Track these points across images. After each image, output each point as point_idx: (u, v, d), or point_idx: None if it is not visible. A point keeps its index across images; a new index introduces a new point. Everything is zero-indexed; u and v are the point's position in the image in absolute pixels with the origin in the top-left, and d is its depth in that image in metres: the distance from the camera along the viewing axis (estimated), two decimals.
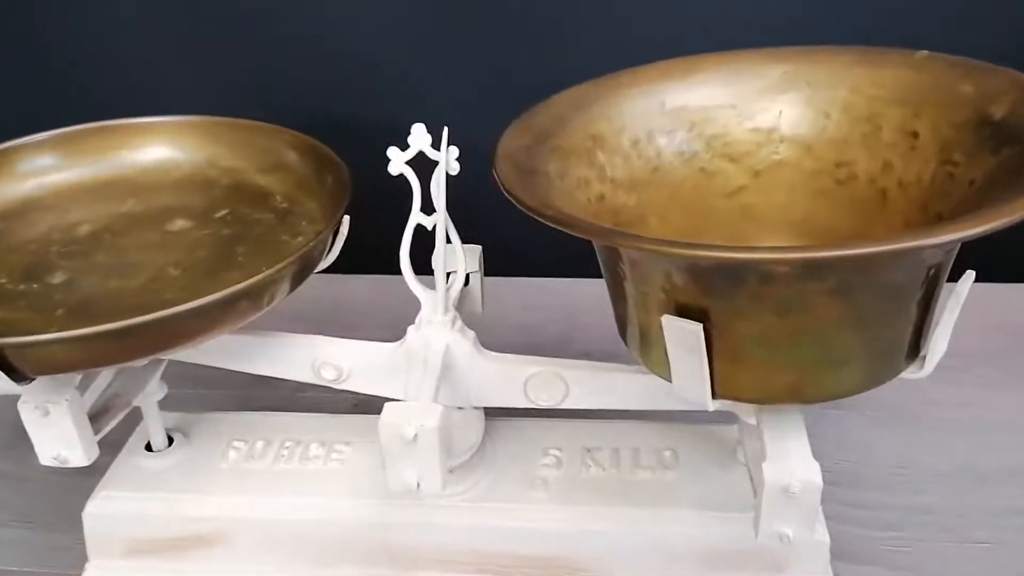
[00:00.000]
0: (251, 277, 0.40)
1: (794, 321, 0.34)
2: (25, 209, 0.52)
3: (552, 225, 0.34)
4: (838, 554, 0.47)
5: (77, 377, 0.45)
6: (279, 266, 0.42)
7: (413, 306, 0.48)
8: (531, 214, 0.35)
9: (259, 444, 0.52)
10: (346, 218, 0.47)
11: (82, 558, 0.51)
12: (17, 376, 0.40)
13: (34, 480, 0.59)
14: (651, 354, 0.39)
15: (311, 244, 0.44)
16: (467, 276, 0.49)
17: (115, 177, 0.54)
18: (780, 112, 0.44)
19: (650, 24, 0.67)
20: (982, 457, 0.57)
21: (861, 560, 0.50)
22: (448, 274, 0.47)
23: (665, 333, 0.36)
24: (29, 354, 0.39)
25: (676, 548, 0.47)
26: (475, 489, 0.49)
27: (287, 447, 0.52)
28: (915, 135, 0.40)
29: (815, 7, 0.66)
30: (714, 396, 0.38)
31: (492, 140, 0.41)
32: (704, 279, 0.34)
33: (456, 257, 0.47)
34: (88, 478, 0.58)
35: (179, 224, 0.51)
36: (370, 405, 0.47)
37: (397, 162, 0.44)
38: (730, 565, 0.47)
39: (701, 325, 0.35)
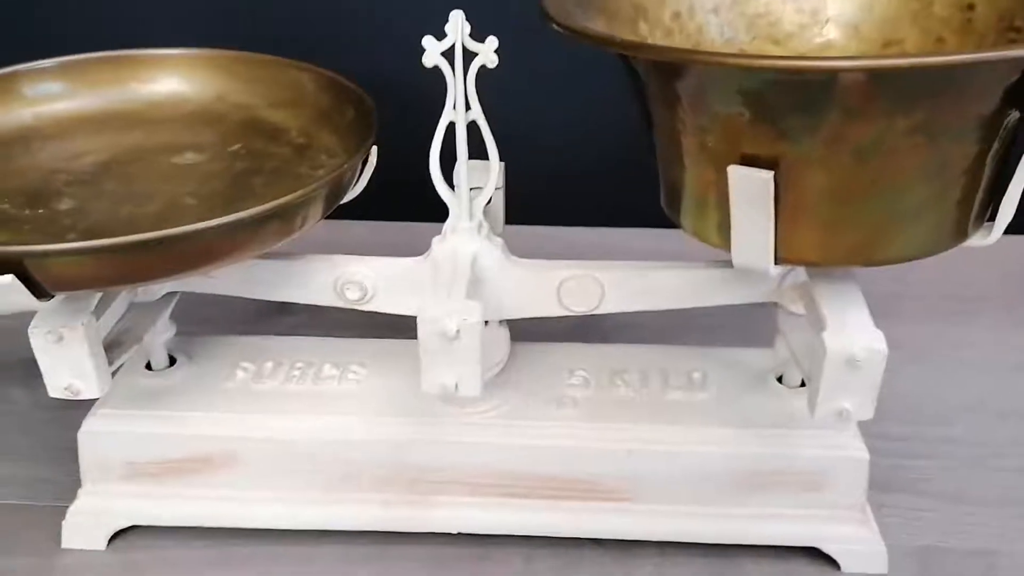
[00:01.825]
0: (287, 195, 0.39)
1: (874, 167, 0.33)
2: (26, 136, 0.50)
3: (621, 51, 0.33)
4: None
5: (93, 302, 0.42)
6: (314, 185, 0.41)
7: (416, 252, 0.46)
8: (598, 45, 0.34)
9: (268, 365, 0.50)
10: (374, 148, 0.46)
11: (68, 490, 0.48)
12: (37, 291, 0.37)
13: (13, 414, 0.55)
14: (707, 219, 0.38)
15: (344, 167, 0.43)
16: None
17: (120, 109, 0.52)
18: None
19: None
20: (1000, 394, 0.57)
21: (891, 488, 0.49)
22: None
23: (730, 185, 0.35)
24: (52, 266, 0.37)
25: (710, 468, 0.45)
26: (502, 407, 0.47)
27: (298, 368, 0.49)
28: (970, 7, 0.40)
29: None
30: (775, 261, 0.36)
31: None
32: (780, 117, 0.33)
33: (490, 159, 0.45)
34: (67, 411, 0.54)
35: (189, 157, 0.49)
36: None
37: (432, 53, 0.42)
38: (765, 486, 0.45)
39: (772, 173, 0.34)
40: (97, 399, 0.47)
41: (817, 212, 0.35)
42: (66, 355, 0.40)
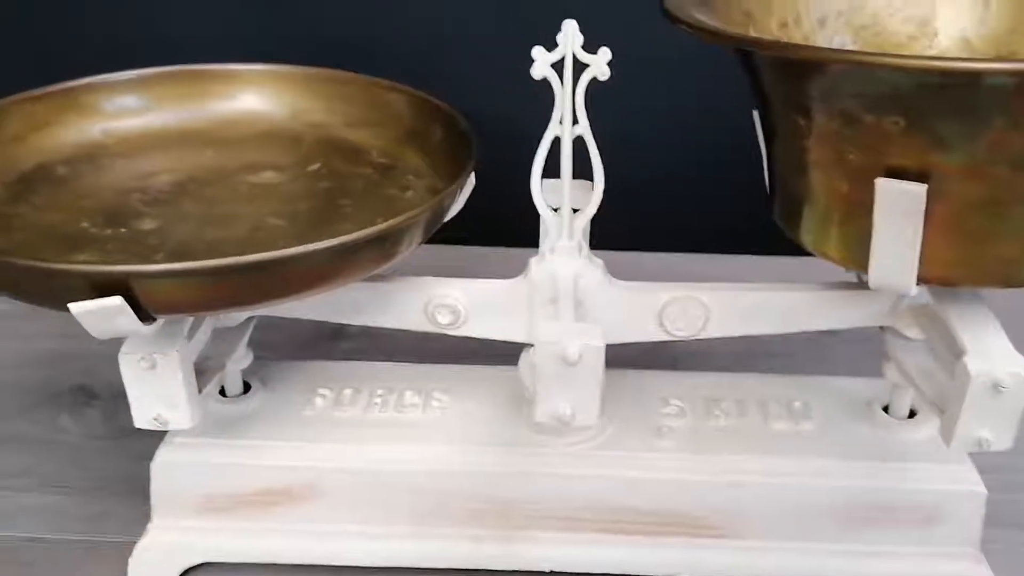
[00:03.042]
0: (396, 216, 0.37)
1: None
2: (95, 153, 0.47)
3: (766, 53, 0.31)
4: None
5: (185, 327, 0.40)
6: (427, 205, 0.39)
7: (487, 276, 0.44)
8: (741, 45, 0.32)
9: (347, 392, 0.47)
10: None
11: (133, 524, 0.45)
12: (142, 314, 0.35)
13: (63, 444, 0.53)
14: (833, 233, 0.37)
15: (454, 185, 0.41)
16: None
17: (191, 125, 0.50)
18: (935, 3, 0.42)
19: None
20: None
21: (997, 522, 0.47)
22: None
23: (877, 200, 0.33)
24: (160, 287, 0.34)
25: (818, 502, 0.43)
26: (597, 438, 0.45)
27: (379, 395, 0.47)
28: None
29: None
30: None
31: None
32: (938, 124, 0.31)
33: (594, 176, 0.43)
34: (124, 440, 0.53)
35: (268, 176, 0.47)
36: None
37: (541, 64, 0.40)
38: (875, 521, 0.43)
39: (925, 186, 0.32)
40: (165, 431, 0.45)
41: (967, 228, 0.33)
42: (158, 383, 0.38)
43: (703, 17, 0.37)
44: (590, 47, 0.41)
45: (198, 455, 0.43)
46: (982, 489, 0.43)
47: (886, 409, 0.46)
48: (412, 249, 0.41)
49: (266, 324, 0.48)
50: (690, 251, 0.72)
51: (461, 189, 0.43)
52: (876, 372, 0.49)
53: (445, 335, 0.45)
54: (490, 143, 0.52)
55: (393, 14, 0.70)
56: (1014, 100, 0.30)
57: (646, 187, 0.71)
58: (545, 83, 0.41)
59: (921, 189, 0.32)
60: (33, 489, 0.49)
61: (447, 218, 0.45)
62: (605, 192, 0.44)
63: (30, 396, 0.56)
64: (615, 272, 0.45)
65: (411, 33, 0.70)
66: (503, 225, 0.51)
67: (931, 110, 0.31)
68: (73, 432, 0.53)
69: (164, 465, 0.43)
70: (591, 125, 0.42)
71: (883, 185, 0.33)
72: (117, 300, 0.33)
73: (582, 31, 0.41)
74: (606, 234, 0.51)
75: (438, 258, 0.67)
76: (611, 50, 0.40)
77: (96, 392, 0.56)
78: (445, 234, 0.53)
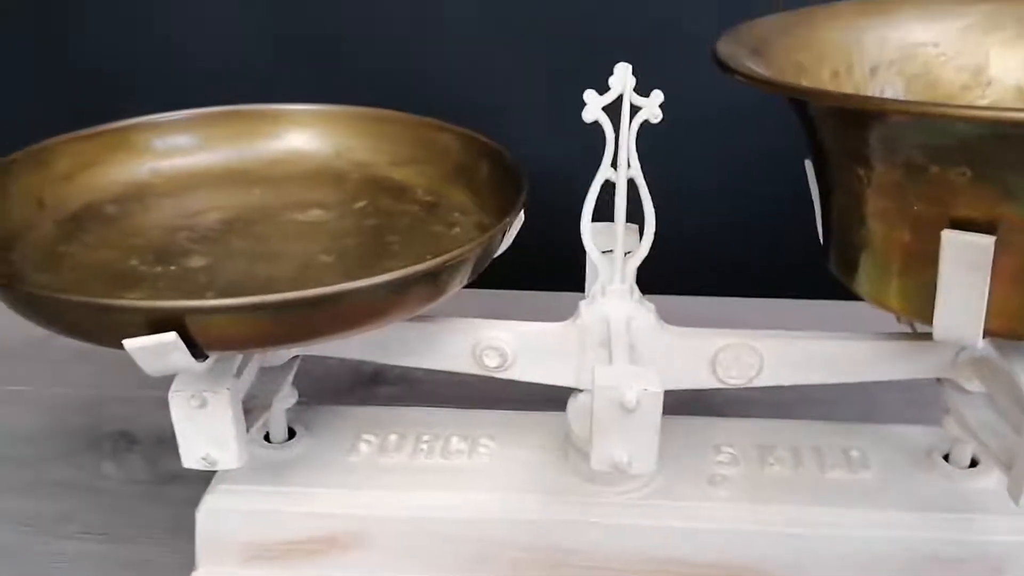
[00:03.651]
0: (447, 252, 0.36)
1: None
2: (142, 192, 0.48)
3: (827, 104, 0.31)
4: None
5: (235, 366, 0.40)
6: (478, 241, 0.38)
7: (527, 318, 0.44)
8: (801, 96, 0.32)
9: (392, 438, 0.46)
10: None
11: (167, 571, 0.45)
12: (195, 351, 0.34)
13: (104, 490, 0.52)
14: (898, 286, 0.36)
15: (506, 220, 0.40)
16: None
17: (237, 165, 0.50)
18: (987, 52, 0.42)
19: None
20: None
21: None
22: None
23: (943, 252, 0.32)
24: (215, 323, 0.34)
25: (880, 554, 0.42)
26: (649, 486, 0.44)
27: (425, 441, 0.46)
28: None
29: None
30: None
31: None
32: (1007, 175, 0.31)
33: (646, 219, 0.42)
34: (165, 487, 0.52)
35: (315, 214, 0.47)
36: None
37: (593, 107, 0.40)
38: (943, 573, 0.42)
39: (993, 238, 0.31)
40: (199, 476, 0.44)
41: None
42: (207, 422, 0.37)
43: (755, 66, 0.37)
44: (643, 91, 0.41)
45: (244, 502, 0.43)
46: None
47: (947, 458, 0.45)
48: (462, 285, 0.40)
49: (305, 370, 0.47)
50: (741, 295, 0.71)
51: (511, 224, 0.42)
52: (921, 420, 0.48)
53: (485, 381, 0.45)
54: (533, 187, 0.52)
55: (442, 53, 0.71)
56: None
57: (697, 231, 0.71)
58: (589, 127, 0.41)
59: (989, 241, 0.32)
60: (75, 536, 0.49)
61: (496, 255, 0.44)
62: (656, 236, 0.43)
63: (72, 442, 0.55)
64: (665, 317, 0.44)
65: (457, 72, 0.71)
66: (542, 269, 0.51)
67: (999, 161, 0.31)
68: (115, 478, 0.53)
69: (210, 512, 0.42)
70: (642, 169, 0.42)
71: (949, 237, 0.32)
72: (171, 336, 0.33)
73: (635, 75, 0.41)
74: (656, 278, 0.51)
75: (483, 302, 0.67)
76: (665, 94, 0.40)
77: (138, 438, 0.55)
78: (488, 279, 0.53)
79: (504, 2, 0.69)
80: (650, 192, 0.42)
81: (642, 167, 0.42)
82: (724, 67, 0.36)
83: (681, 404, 0.50)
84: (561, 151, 0.42)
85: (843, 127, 0.35)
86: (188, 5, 0.71)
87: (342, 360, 0.45)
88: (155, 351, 0.34)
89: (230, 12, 0.71)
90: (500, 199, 0.43)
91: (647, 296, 0.45)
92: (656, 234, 0.45)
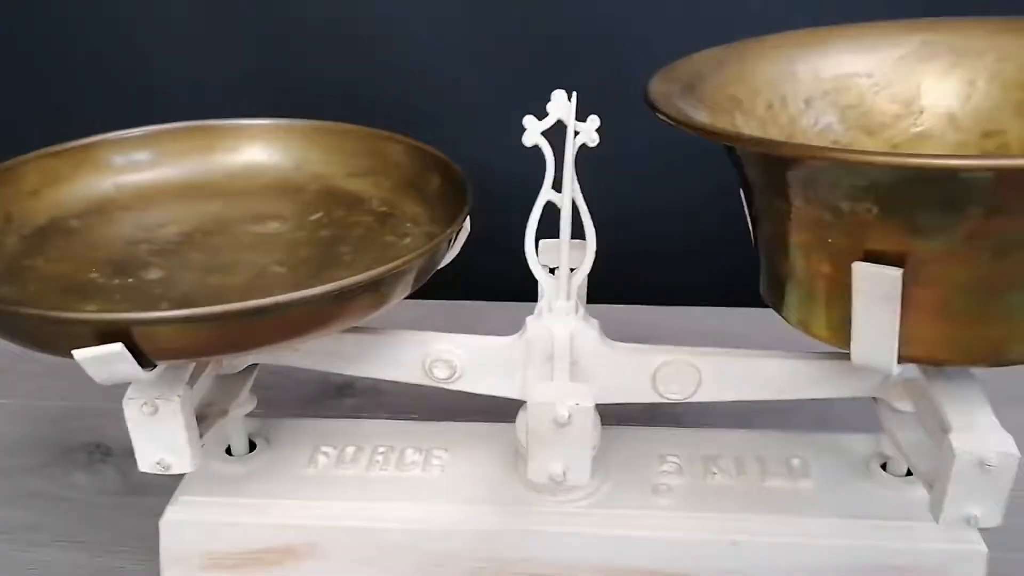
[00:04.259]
0: (390, 261, 0.38)
1: (1013, 262, 0.31)
2: (106, 206, 0.49)
3: (754, 149, 0.32)
4: None
5: (187, 373, 0.41)
6: (422, 250, 0.39)
7: (481, 332, 0.45)
8: (727, 142, 0.33)
9: (349, 450, 0.48)
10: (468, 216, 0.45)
11: None
12: (142, 360, 0.36)
13: (76, 500, 0.54)
14: (817, 313, 0.37)
15: (448, 231, 0.42)
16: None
17: (199, 179, 0.51)
18: (920, 81, 0.43)
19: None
20: None
21: None
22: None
23: (855, 283, 0.34)
24: (159, 334, 0.36)
25: (817, 561, 0.43)
26: (594, 496, 0.45)
27: (381, 453, 0.48)
28: None
29: None
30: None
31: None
32: (914, 213, 0.32)
33: (587, 238, 0.44)
34: (136, 497, 0.54)
35: (272, 226, 0.48)
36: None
37: (533, 132, 0.42)
38: None
39: (901, 271, 0.32)
40: (168, 486, 0.46)
41: (948, 309, 0.33)
42: (159, 428, 0.39)
43: (687, 105, 0.37)
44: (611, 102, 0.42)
45: (204, 513, 0.44)
46: (983, 548, 0.43)
47: (885, 466, 0.46)
48: (406, 295, 0.42)
49: (273, 382, 0.49)
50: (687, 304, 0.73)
51: (456, 235, 0.44)
52: (875, 428, 0.49)
53: (451, 393, 0.46)
54: (502, 200, 0.53)
55: (404, 64, 0.72)
56: (986, 192, 0.31)
57: (644, 245, 0.72)
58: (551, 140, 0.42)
59: (897, 273, 0.33)
60: (47, 544, 0.50)
61: (442, 264, 0.46)
62: (603, 251, 0.45)
63: (45, 453, 0.57)
64: (612, 326, 0.45)
65: (420, 92, 0.72)
66: (505, 278, 0.52)
67: (904, 200, 0.32)
68: (86, 488, 0.54)
69: (171, 523, 0.44)
70: (589, 188, 0.43)
71: (860, 269, 0.33)
72: (118, 347, 0.35)
73: (583, 97, 0.42)
74: (604, 288, 0.52)
75: (441, 312, 0.68)
76: (606, 117, 0.41)
77: (110, 449, 0.57)
78: (450, 290, 0.54)
79: (464, 14, 0.70)
80: (602, 207, 0.43)
81: (594, 182, 0.43)
82: (652, 107, 0.37)
83: (640, 412, 0.52)
84: (526, 161, 0.43)
85: (762, 164, 0.36)
86: (150, 22, 0.72)
87: (311, 371, 0.47)
88: (102, 361, 0.35)
89: (193, 30, 0.72)
90: (451, 210, 0.44)
91: (598, 305, 0.46)
92: (605, 249, 0.46)
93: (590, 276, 0.47)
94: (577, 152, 0.42)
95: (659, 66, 0.43)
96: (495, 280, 0.66)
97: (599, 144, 0.42)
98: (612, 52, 0.69)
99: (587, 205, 0.43)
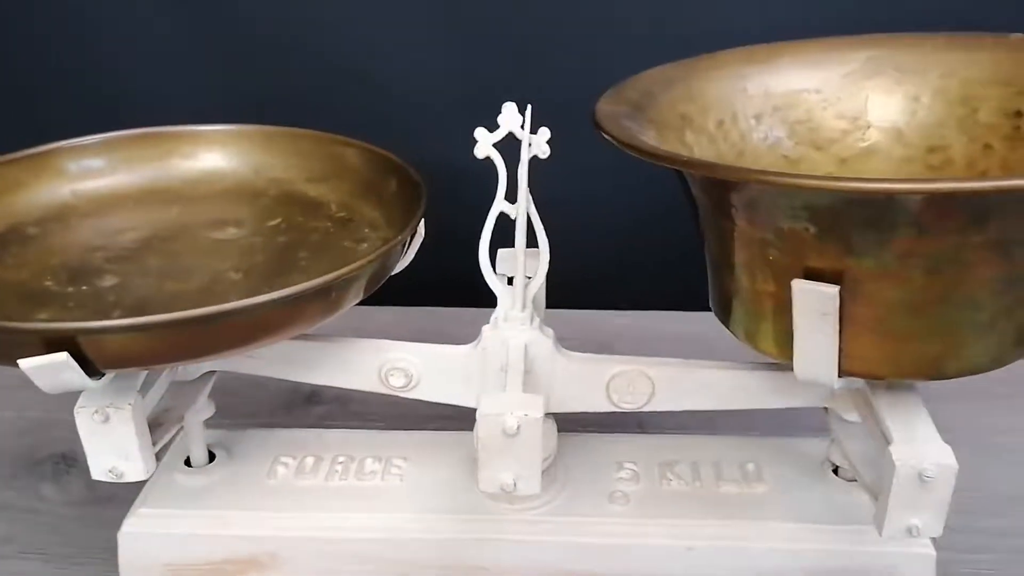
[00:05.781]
0: (339, 268, 0.38)
1: (945, 280, 0.32)
2: (64, 213, 0.49)
3: (691, 171, 0.32)
4: None
5: (139, 381, 0.41)
6: (374, 254, 0.40)
7: (447, 338, 0.45)
8: (665, 164, 0.33)
9: (309, 460, 0.48)
10: (422, 221, 0.45)
11: None
12: (89, 369, 0.36)
13: (43, 511, 0.54)
14: (762, 328, 0.37)
15: (400, 236, 0.42)
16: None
17: (158, 185, 0.52)
18: (867, 97, 0.43)
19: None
20: None
21: None
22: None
23: (794, 300, 0.34)
24: (105, 343, 0.36)
25: (774, 565, 0.44)
26: (551, 503, 0.46)
27: (340, 463, 0.48)
28: (1019, 114, 0.39)
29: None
30: (839, 374, 0.36)
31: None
32: (848, 233, 0.32)
33: (540, 248, 0.44)
34: (102, 508, 0.54)
35: (230, 232, 0.48)
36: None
37: (484, 144, 0.42)
38: None
39: (838, 288, 0.33)
40: (135, 497, 0.46)
41: (885, 326, 0.34)
42: (111, 436, 0.39)
43: (635, 124, 0.38)
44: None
45: (163, 525, 0.45)
46: (931, 551, 0.43)
47: (837, 471, 0.47)
48: (358, 300, 0.42)
49: (240, 390, 0.49)
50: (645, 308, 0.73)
51: (409, 241, 0.44)
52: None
53: (418, 400, 0.46)
54: (468, 205, 0.53)
55: (367, 65, 0.72)
56: (916, 214, 0.31)
57: (601, 251, 0.72)
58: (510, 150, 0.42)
59: (834, 291, 0.33)
60: (13, 556, 0.50)
61: (399, 269, 0.46)
62: (562, 257, 0.45)
63: (12, 465, 0.57)
64: (573, 331, 0.46)
65: (385, 98, 0.72)
66: (468, 283, 0.53)
67: (837, 220, 0.32)
68: (53, 500, 0.54)
69: (130, 536, 0.45)
70: (546, 195, 0.43)
71: (799, 286, 0.34)
72: (63, 356, 0.35)
73: (547, 105, 0.42)
74: (564, 293, 0.52)
75: (409, 318, 0.68)
76: (572, 127, 0.42)
77: (77, 460, 0.57)
78: (417, 295, 0.54)
79: (426, 18, 0.70)
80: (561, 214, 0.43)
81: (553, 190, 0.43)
82: (598, 127, 0.37)
83: (606, 416, 0.52)
84: (493, 167, 0.43)
85: (705, 185, 0.37)
86: (112, 31, 0.72)
87: (280, 380, 0.47)
88: (48, 371, 0.35)
89: (155, 38, 0.72)
90: (407, 215, 0.44)
91: (556, 310, 0.46)
92: (563, 255, 0.46)
93: (552, 283, 0.47)
94: (538, 162, 0.43)
95: (623, 76, 0.43)
96: (461, 284, 0.66)
97: (567, 153, 0.43)
98: (578, 58, 0.69)
99: (565, 211, 0.43)
